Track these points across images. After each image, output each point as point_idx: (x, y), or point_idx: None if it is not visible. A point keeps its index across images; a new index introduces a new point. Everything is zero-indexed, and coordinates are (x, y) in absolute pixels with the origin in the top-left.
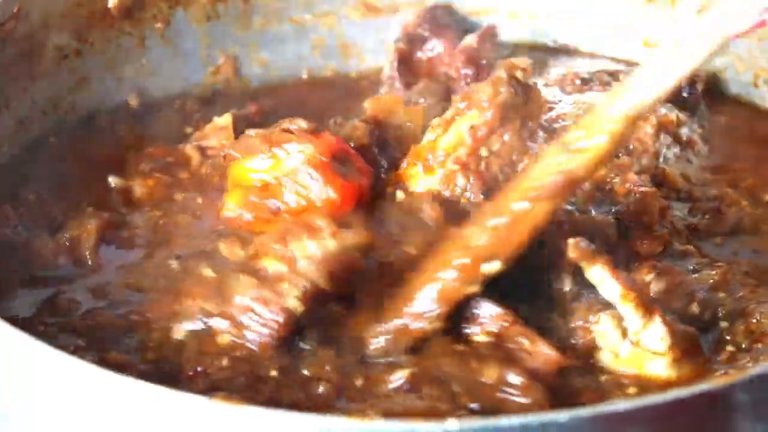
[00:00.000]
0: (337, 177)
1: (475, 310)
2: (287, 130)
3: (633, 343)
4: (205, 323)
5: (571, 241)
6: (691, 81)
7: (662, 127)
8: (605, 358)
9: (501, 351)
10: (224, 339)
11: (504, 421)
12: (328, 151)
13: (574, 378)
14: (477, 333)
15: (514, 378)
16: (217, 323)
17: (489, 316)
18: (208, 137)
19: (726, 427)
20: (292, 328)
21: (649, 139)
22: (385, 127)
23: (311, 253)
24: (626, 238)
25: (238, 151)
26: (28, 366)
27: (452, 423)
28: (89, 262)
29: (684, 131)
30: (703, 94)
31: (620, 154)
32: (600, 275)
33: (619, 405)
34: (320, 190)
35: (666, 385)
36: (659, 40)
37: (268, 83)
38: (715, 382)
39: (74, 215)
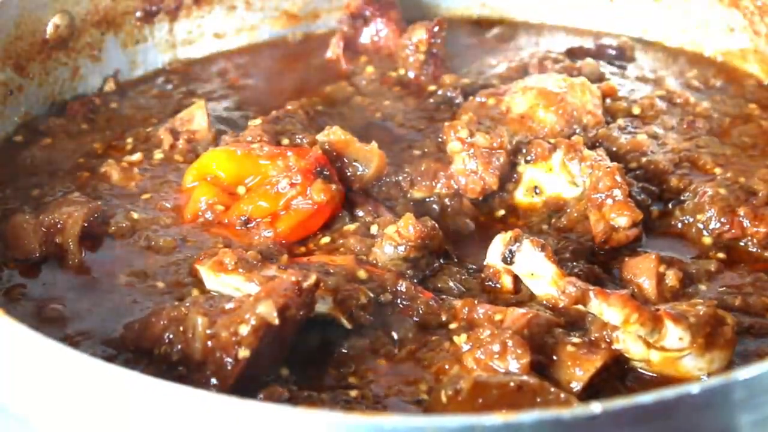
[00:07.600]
0: (324, 181)
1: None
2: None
3: (658, 349)
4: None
5: (561, 283)
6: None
7: (606, 95)
8: (639, 366)
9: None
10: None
11: (524, 416)
12: (317, 163)
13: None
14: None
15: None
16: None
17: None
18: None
19: (726, 423)
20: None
21: (597, 108)
22: (341, 158)
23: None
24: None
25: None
26: (46, 368)
27: (484, 419)
28: (70, 257)
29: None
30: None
31: (576, 132)
32: (598, 308)
33: (644, 398)
34: (312, 191)
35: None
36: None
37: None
38: (715, 379)
39: (59, 199)
